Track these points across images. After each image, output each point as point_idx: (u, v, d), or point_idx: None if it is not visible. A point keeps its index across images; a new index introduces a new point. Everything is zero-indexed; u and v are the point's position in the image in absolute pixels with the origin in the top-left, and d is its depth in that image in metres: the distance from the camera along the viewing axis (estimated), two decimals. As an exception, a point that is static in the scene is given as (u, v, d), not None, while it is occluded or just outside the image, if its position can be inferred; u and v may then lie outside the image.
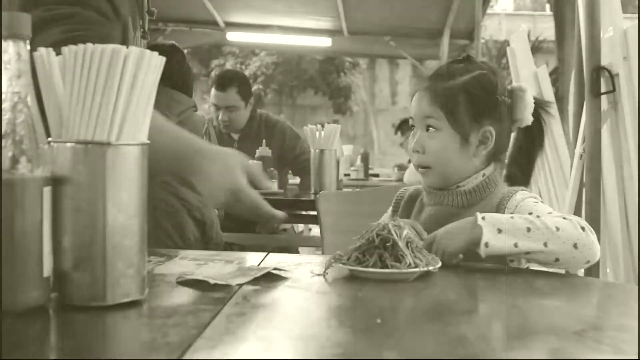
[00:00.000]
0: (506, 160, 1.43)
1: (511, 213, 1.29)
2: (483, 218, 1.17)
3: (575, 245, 1.15)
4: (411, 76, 18.42)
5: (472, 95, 1.36)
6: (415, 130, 1.42)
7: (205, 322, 0.78)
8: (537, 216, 1.20)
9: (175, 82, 2.48)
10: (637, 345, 0.75)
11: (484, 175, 1.38)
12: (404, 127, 5.51)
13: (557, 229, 1.16)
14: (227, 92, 3.37)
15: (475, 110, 1.36)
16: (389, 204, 1.55)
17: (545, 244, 1.15)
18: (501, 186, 1.39)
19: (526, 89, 1.40)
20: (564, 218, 1.19)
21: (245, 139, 3.51)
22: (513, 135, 1.46)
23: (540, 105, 1.43)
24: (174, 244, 2.30)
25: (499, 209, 1.32)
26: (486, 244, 1.15)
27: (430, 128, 1.37)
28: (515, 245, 1.15)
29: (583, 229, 1.17)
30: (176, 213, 2.32)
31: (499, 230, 1.16)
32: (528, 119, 1.40)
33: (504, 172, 1.43)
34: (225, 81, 3.38)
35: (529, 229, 1.16)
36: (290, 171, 3.67)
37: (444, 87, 1.37)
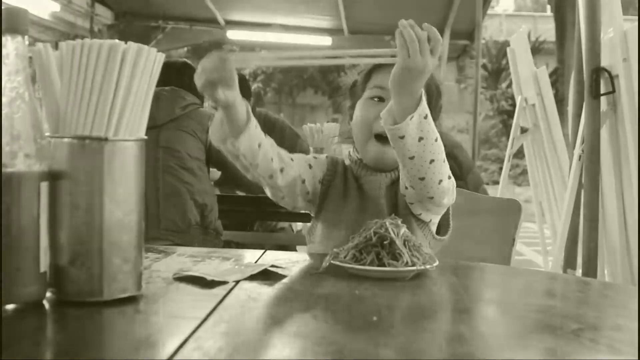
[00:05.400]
0: None
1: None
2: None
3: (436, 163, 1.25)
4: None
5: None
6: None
7: (201, 319, 0.78)
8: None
9: (186, 90, 2.53)
10: (637, 346, 0.75)
11: None
12: None
13: (436, 139, 1.24)
14: None
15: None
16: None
17: (436, 139, 1.23)
18: None
19: None
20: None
21: None
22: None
23: None
24: (175, 226, 2.37)
25: None
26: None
27: None
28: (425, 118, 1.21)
29: (449, 177, 1.31)
30: (178, 195, 2.39)
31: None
32: None
33: None
34: None
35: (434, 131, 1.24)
36: None
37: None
